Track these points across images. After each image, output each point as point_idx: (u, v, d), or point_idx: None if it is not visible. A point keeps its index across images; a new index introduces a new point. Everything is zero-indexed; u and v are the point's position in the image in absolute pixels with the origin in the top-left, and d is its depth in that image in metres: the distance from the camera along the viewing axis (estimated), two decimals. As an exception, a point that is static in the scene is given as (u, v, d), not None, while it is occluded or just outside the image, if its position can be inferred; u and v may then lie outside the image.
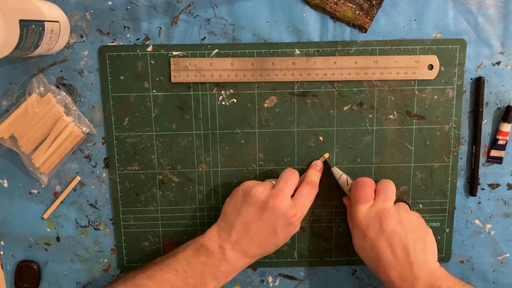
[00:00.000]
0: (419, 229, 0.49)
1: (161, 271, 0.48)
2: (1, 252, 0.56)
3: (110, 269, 0.57)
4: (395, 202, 0.50)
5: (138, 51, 0.52)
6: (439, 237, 0.55)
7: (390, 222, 0.47)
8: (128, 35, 0.52)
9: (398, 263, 0.47)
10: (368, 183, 0.50)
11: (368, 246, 0.49)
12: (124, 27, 0.51)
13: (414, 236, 0.48)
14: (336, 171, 0.53)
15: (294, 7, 0.51)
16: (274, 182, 0.50)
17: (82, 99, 0.53)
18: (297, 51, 0.52)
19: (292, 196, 0.49)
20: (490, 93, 0.53)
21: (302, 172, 0.53)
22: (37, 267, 0.55)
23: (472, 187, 0.55)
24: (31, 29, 0.41)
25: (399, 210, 0.49)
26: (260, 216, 0.47)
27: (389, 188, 0.50)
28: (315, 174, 0.52)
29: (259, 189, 0.48)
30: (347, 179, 0.52)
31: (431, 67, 0.52)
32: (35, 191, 0.54)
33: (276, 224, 0.48)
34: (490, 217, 0.56)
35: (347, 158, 0.54)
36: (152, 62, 0.52)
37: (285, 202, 0.48)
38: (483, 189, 0.55)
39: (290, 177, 0.49)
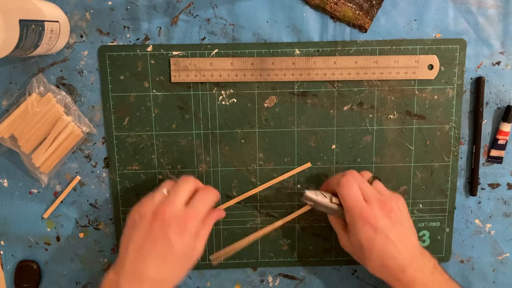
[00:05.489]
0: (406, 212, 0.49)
1: None
2: (1, 252, 0.56)
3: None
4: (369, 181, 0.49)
5: (138, 51, 0.52)
6: (439, 237, 0.56)
7: (395, 213, 0.46)
8: (128, 35, 0.52)
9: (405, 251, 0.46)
10: (351, 178, 0.48)
11: (380, 240, 0.46)
12: (124, 27, 0.51)
13: (409, 220, 0.48)
14: (311, 195, 0.48)
15: (294, 7, 0.51)
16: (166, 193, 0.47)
17: (82, 99, 0.53)
18: (297, 51, 0.52)
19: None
20: (490, 93, 0.53)
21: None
22: (37, 267, 0.55)
23: (472, 187, 0.55)
24: (31, 29, 0.41)
25: (395, 199, 0.48)
26: (150, 230, 0.44)
27: (366, 176, 0.50)
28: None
29: (143, 207, 0.45)
30: (331, 198, 0.48)
31: (431, 67, 0.52)
32: (35, 191, 0.54)
33: (168, 233, 0.43)
34: (490, 217, 0.56)
35: (347, 158, 0.54)
36: (152, 62, 0.52)
37: (175, 209, 0.44)
38: (483, 189, 0.55)
39: (182, 183, 0.47)
